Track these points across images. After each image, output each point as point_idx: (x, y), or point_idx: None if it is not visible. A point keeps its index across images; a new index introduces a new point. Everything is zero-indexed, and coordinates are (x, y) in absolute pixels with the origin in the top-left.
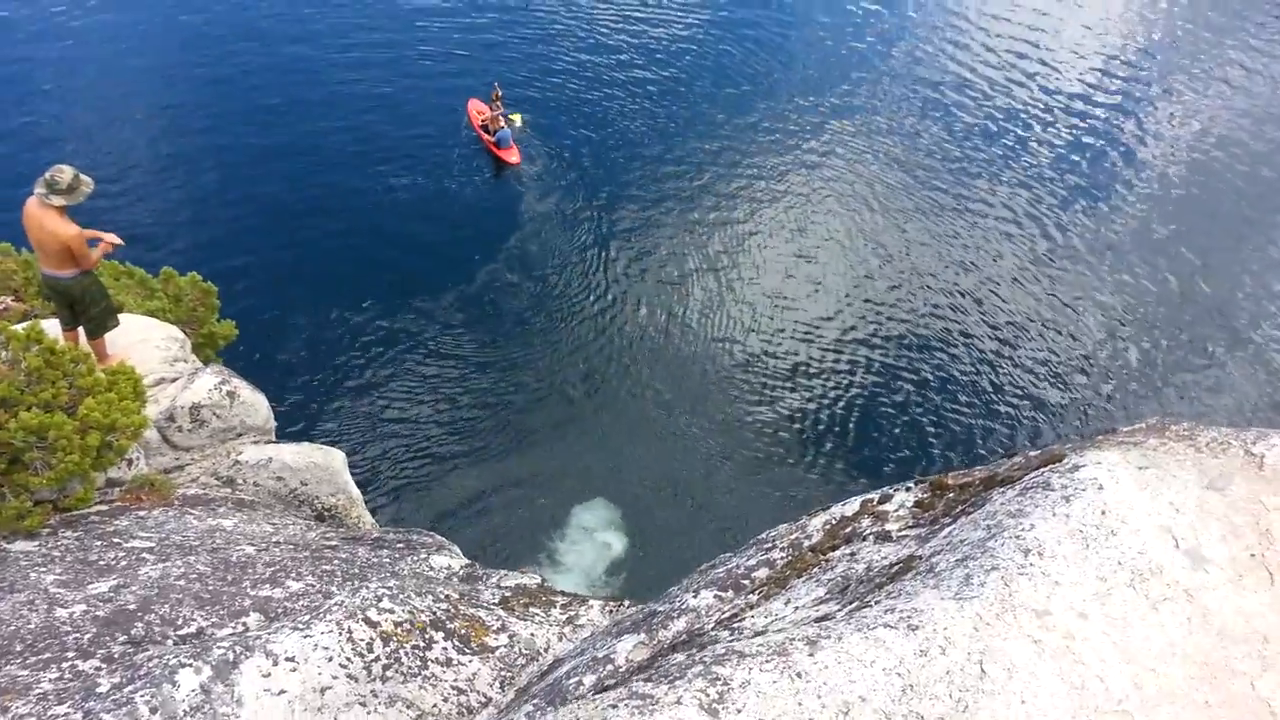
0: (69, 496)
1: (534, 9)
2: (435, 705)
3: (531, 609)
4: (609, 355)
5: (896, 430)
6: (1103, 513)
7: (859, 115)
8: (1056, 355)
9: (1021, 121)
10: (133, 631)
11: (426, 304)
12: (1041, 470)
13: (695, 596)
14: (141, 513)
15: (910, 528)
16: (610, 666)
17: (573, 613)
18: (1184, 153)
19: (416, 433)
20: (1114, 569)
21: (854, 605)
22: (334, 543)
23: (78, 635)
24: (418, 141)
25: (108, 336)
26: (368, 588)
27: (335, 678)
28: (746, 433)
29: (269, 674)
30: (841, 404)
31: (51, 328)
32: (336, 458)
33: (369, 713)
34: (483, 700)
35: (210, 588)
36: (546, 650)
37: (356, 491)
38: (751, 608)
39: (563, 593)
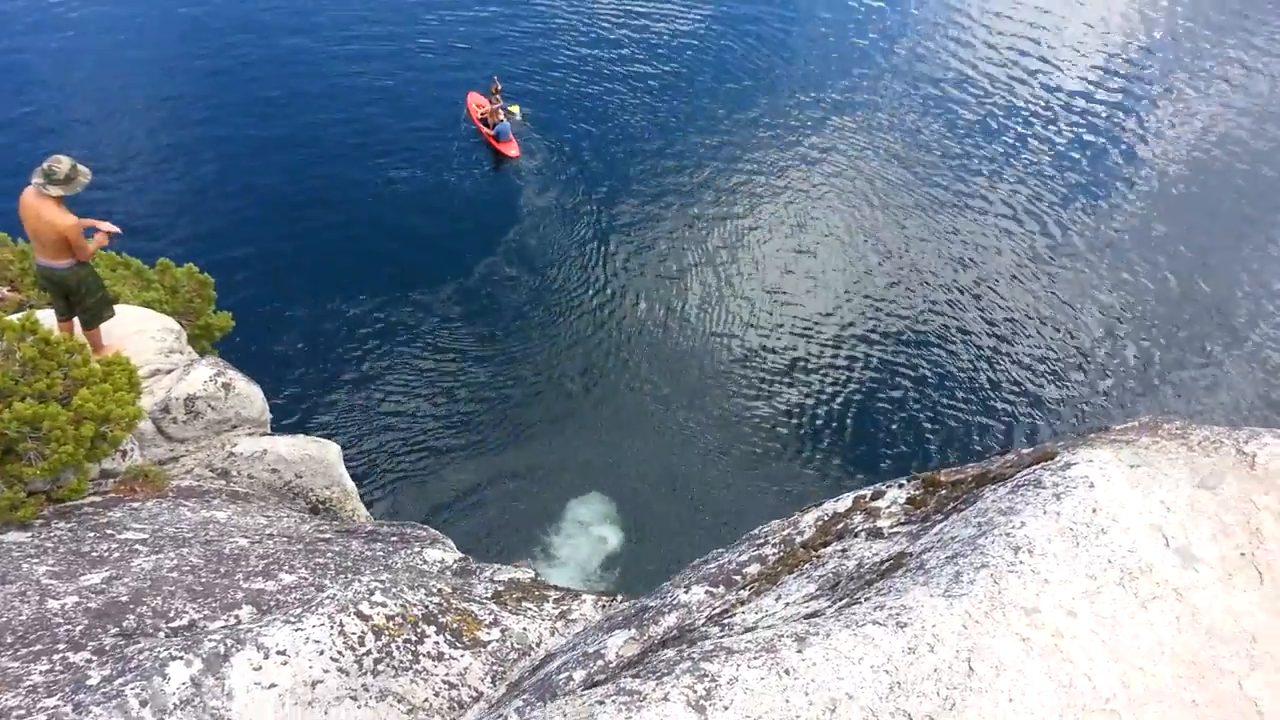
0: (63, 487)
1: (535, 2)
2: (426, 700)
3: (524, 603)
4: (607, 349)
5: (894, 426)
6: (1093, 511)
7: (860, 111)
8: (1054, 352)
9: (1022, 119)
10: (124, 623)
11: (424, 297)
12: (1033, 468)
13: (687, 592)
14: (135, 504)
15: (902, 524)
16: (601, 662)
17: (565, 607)
18: (1184, 151)
19: (413, 425)
20: (1104, 567)
21: (844, 602)
22: (328, 535)
23: (69, 627)
24: (417, 134)
25: (103, 327)
26: (360, 581)
27: (326, 671)
28: (744, 427)
29: (260, 667)
30: (839, 399)
31: (47, 318)
32: (331, 450)
33: (360, 707)
34: (474, 695)
35: (203, 580)
36: (539, 645)
37: (351, 484)
38: (742, 604)
39: (556, 587)
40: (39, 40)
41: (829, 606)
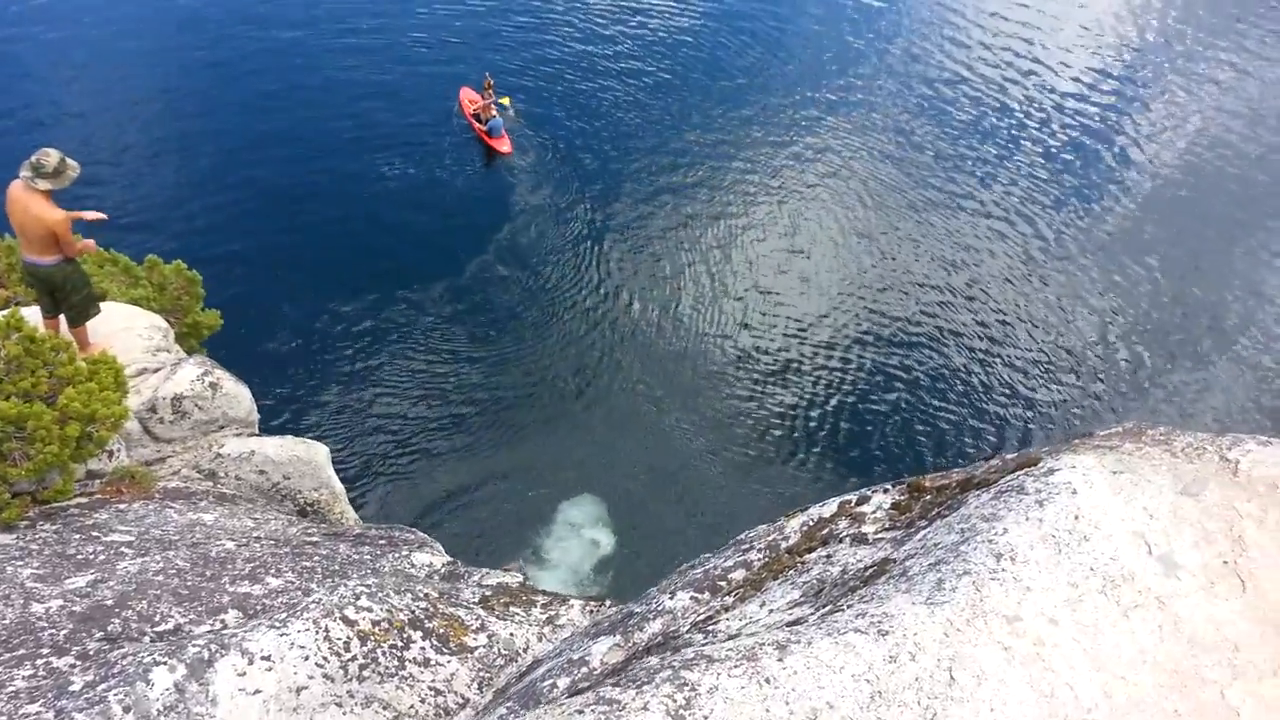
0: (48, 488)
1: None
2: (412, 706)
3: (512, 608)
4: (599, 349)
5: (886, 428)
6: (1076, 518)
7: (854, 111)
8: (1046, 355)
9: (1015, 120)
10: (109, 628)
11: (415, 295)
12: (1017, 474)
13: (672, 598)
14: (121, 506)
15: (886, 530)
16: (585, 669)
17: (553, 612)
18: (1176, 154)
19: (403, 426)
20: (1086, 575)
21: (827, 609)
22: (315, 539)
23: (53, 631)
24: (409, 129)
25: (90, 325)
26: (346, 585)
27: (311, 677)
28: (737, 429)
29: (244, 673)
30: (832, 401)
31: (32, 315)
32: (320, 451)
33: (345, 713)
34: (460, 701)
35: (189, 584)
36: (526, 650)
37: (340, 486)
38: (727, 610)
39: (544, 592)
40: (32, 31)
41: (812, 614)
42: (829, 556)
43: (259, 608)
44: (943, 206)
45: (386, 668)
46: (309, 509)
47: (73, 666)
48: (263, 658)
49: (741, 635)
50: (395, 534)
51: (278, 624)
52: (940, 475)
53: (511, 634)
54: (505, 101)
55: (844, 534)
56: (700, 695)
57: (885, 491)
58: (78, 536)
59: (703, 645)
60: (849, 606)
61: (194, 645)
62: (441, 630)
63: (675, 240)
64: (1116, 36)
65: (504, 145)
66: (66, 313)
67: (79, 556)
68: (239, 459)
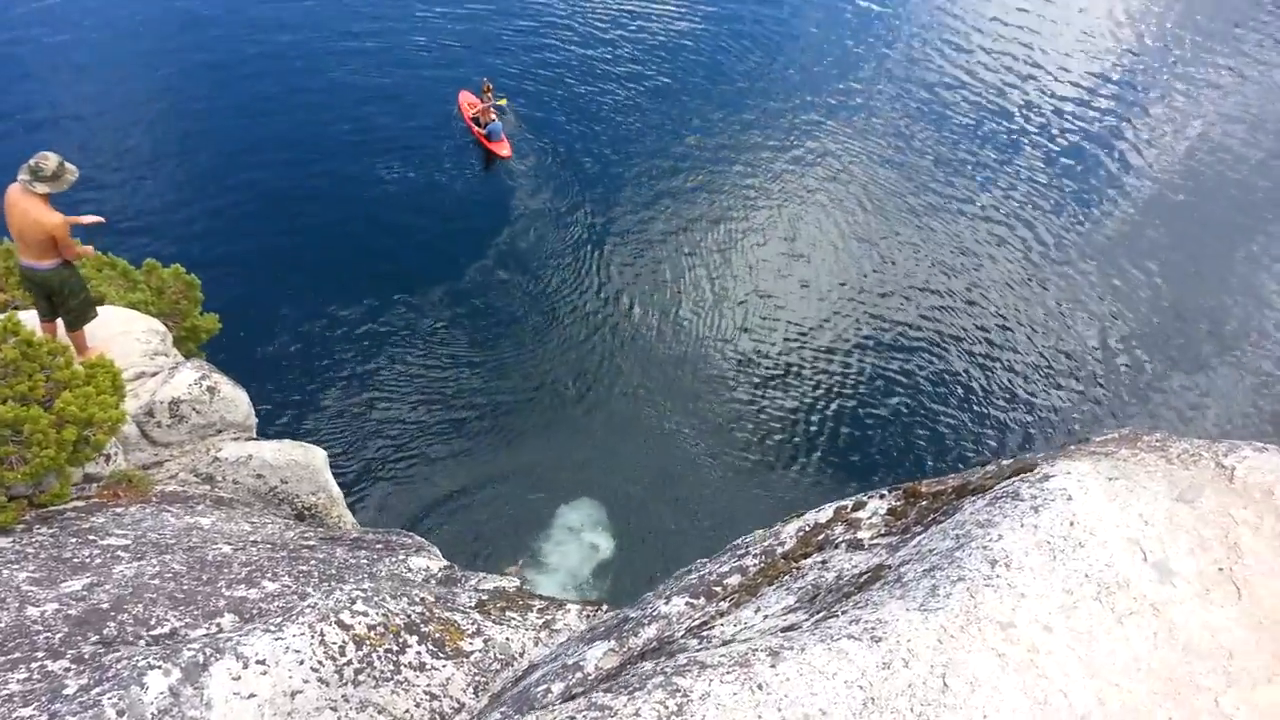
0: (44, 492)
1: (530, 1)
2: (408, 711)
3: (508, 613)
4: (599, 354)
5: (885, 433)
6: (1071, 524)
7: (855, 115)
8: (1045, 360)
9: (1015, 125)
10: (105, 631)
11: (414, 299)
12: (1012, 479)
13: (667, 603)
14: (118, 509)
15: (882, 536)
16: (579, 674)
17: (550, 617)
18: (1176, 158)
19: (402, 430)
20: (1080, 581)
21: (821, 615)
22: (312, 543)
23: (49, 635)
24: (408, 133)
25: (87, 329)
26: (342, 590)
27: (306, 681)
28: (736, 432)
29: (239, 677)
30: (831, 406)
31: (29, 319)
32: (317, 456)
33: (340, 718)
34: (456, 706)
35: (185, 587)
36: (522, 655)
37: (337, 490)
38: (721, 615)
39: (540, 596)
40: (32, 34)
41: (806, 619)
42: (824, 562)
43: (255, 612)
44: (942, 211)
45: (382, 672)
46: (306, 513)
47: (67, 670)
48: (258, 662)
49: (735, 641)
50: (392, 538)
51: (273, 628)
52: (936, 481)
53: (507, 638)
54: (503, 102)
55: (840, 540)
56: (693, 701)
57: (881, 497)
58: (74, 540)
59: (696, 651)
60: (843, 613)
61: (189, 649)
62: (437, 635)
63: (675, 244)
64: (1115, 41)
65: (503, 149)
66: (64, 317)
67: (75, 560)
68: (236, 463)
